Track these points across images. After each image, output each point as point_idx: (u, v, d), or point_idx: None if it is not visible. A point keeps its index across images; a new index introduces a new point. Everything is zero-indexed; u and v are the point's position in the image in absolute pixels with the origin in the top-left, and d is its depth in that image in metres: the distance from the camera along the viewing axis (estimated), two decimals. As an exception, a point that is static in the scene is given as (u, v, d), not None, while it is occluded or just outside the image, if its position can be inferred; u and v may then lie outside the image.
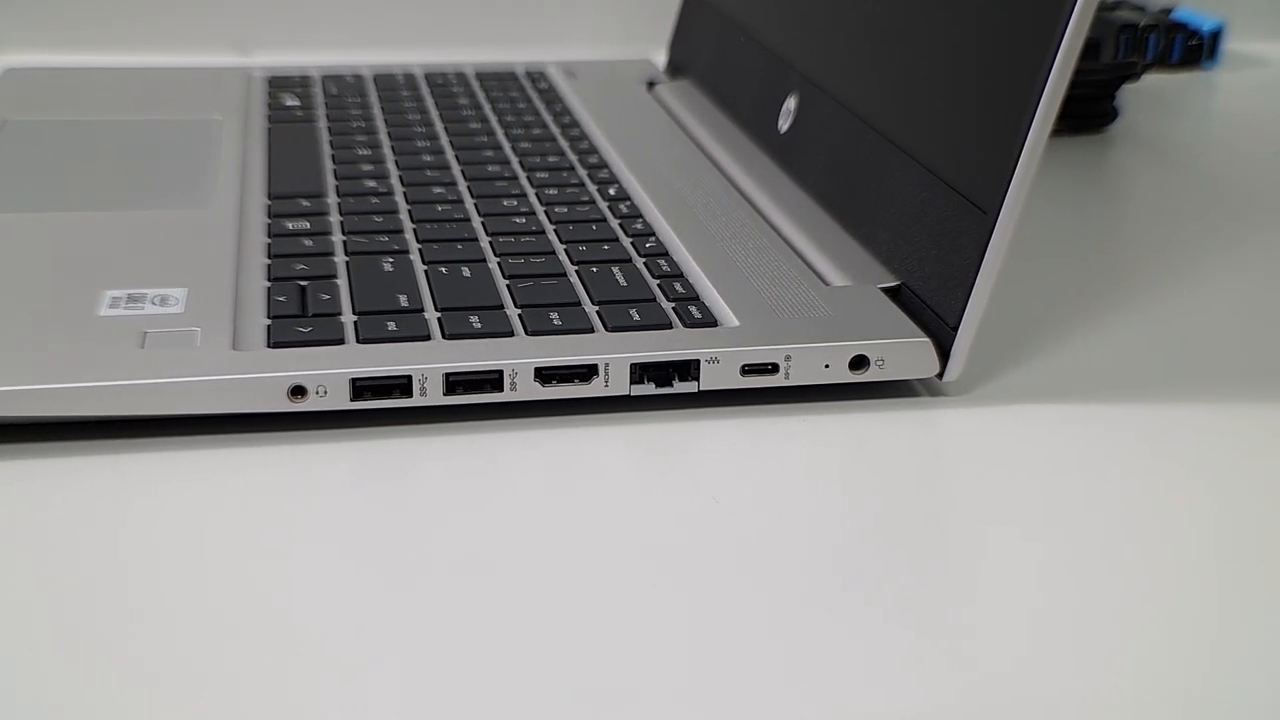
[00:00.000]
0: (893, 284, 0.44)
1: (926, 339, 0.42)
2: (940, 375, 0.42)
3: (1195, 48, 0.80)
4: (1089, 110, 0.69)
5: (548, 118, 0.63)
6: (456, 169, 0.56)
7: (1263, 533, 0.36)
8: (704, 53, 0.67)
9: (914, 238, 0.44)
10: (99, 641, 0.31)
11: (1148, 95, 0.75)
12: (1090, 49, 0.70)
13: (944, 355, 0.42)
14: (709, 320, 0.42)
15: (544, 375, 0.40)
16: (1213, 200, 0.61)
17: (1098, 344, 0.46)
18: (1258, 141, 0.69)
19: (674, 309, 0.43)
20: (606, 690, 0.30)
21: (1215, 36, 0.81)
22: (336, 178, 0.54)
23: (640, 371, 0.40)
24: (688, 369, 0.41)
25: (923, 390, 0.43)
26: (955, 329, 0.41)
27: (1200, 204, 0.60)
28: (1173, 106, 0.74)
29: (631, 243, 0.48)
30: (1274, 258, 0.54)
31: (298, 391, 0.39)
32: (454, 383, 0.39)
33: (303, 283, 0.44)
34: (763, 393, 0.41)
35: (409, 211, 0.51)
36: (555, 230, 0.49)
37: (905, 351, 0.41)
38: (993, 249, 0.40)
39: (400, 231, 0.49)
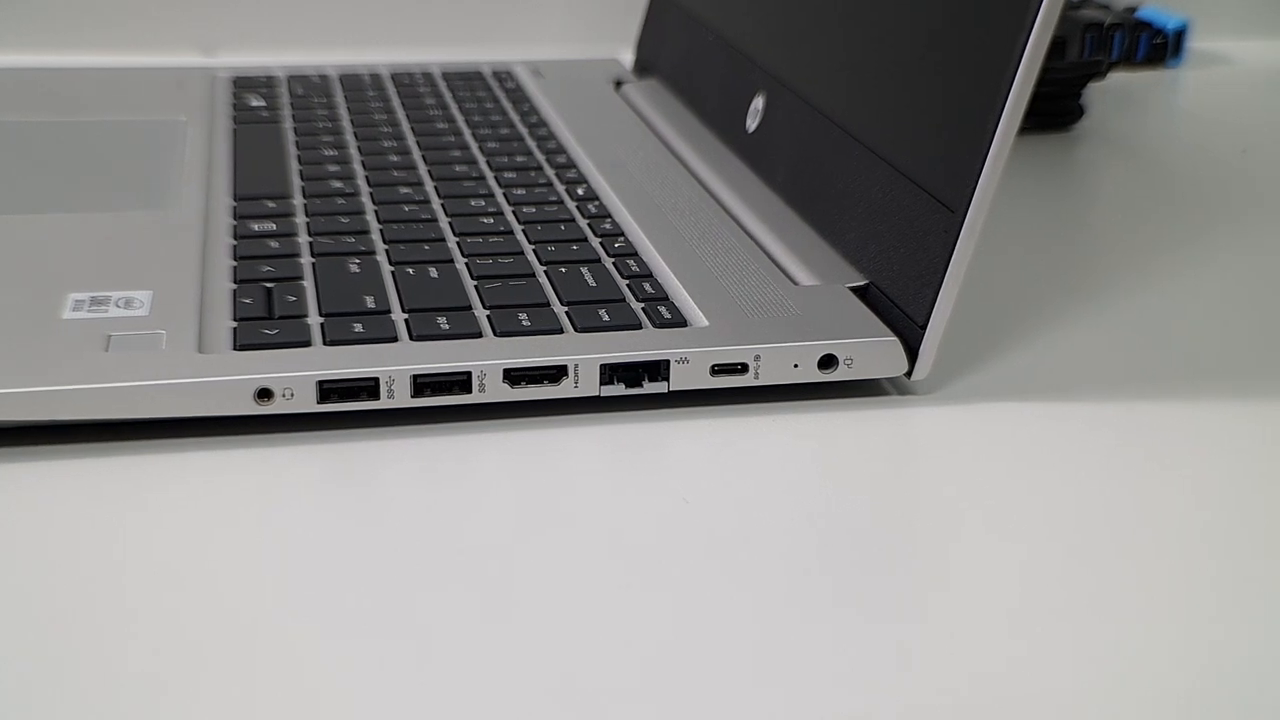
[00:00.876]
0: (861, 283, 0.44)
1: (895, 338, 0.42)
2: (909, 374, 0.42)
3: (1160, 46, 0.81)
4: (1055, 108, 0.69)
5: (515, 117, 0.63)
6: (423, 169, 0.55)
7: (1233, 526, 0.36)
8: (671, 52, 0.67)
9: (882, 237, 0.44)
10: (61, 647, 0.30)
11: (1113, 93, 0.76)
12: (1056, 47, 0.70)
13: (912, 354, 0.42)
14: (678, 320, 0.42)
15: (513, 376, 0.40)
16: (1179, 197, 0.61)
17: (1065, 341, 0.46)
18: (1223, 139, 0.69)
19: (643, 309, 0.43)
20: (580, 691, 0.29)
21: (1179, 35, 0.81)
22: (302, 178, 0.54)
23: (610, 372, 0.40)
24: (657, 369, 0.41)
25: (891, 389, 0.43)
26: (923, 328, 0.41)
27: (1166, 201, 0.60)
28: (1138, 104, 0.75)
29: (600, 243, 0.48)
30: (1239, 254, 0.54)
31: (264, 394, 0.38)
32: (422, 385, 0.39)
33: (268, 284, 0.44)
34: (733, 393, 0.41)
35: (375, 212, 0.50)
36: (523, 230, 0.49)
37: (873, 350, 0.41)
38: (960, 248, 0.40)
39: (366, 232, 0.48)
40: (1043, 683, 0.30)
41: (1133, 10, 0.80)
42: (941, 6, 0.43)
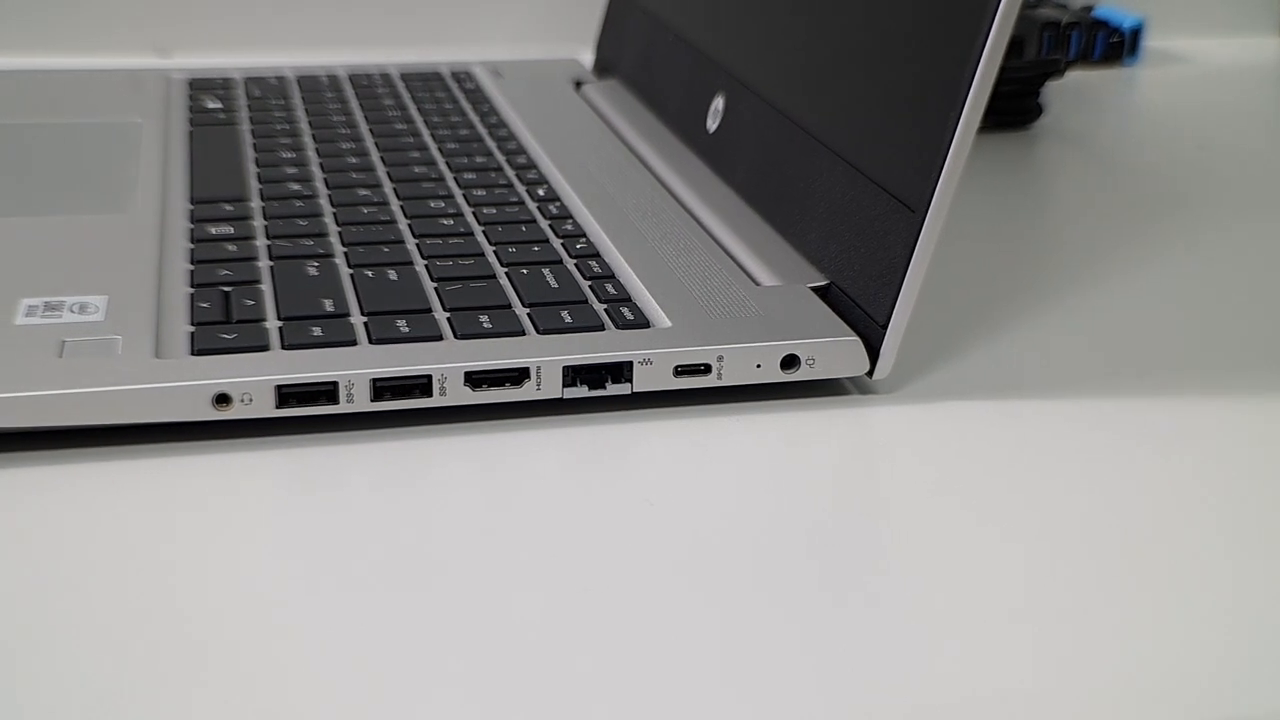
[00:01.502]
0: (822, 283, 0.44)
1: (856, 337, 0.42)
2: (870, 373, 0.42)
3: (1116, 45, 0.81)
4: (1014, 107, 0.70)
5: (474, 118, 0.62)
6: (382, 170, 0.55)
7: (1189, 522, 0.36)
8: (631, 52, 0.66)
9: (842, 237, 0.44)
10: (12, 657, 0.30)
11: (1071, 91, 0.76)
12: (1014, 46, 0.70)
13: (873, 353, 0.42)
14: (641, 321, 0.42)
15: (474, 379, 0.39)
16: (1136, 195, 0.61)
17: (1025, 339, 0.46)
18: (1179, 136, 0.70)
19: (606, 310, 0.43)
20: (543, 697, 0.29)
21: (1136, 33, 0.82)
22: (260, 181, 0.53)
23: (573, 374, 0.40)
24: (621, 371, 0.40)
25: (853, 388, 0.43)
26: (884, 327, 0.41)
27: (1124, 199, 0.61)
28: (1096, 102, 0.75)
29: (562, 244, 0.48)
30: (1196, 251, 0.55)
31: (222, 399, 0.38)
32: (381, 388, 0.39)
33: (226, 288, 0.44)
34: (696, 393, 0.41)
35: (334, 214, 0.50)
36: (484, 231, 0.49)
37: (835, 350, 0.41)
38: (921, 247, 0.40)
39: (325, 235, 0.48)
40: (1000, 681, 0.30)
41: (1089, 9, 0.81)
42: (901, 6, 0.43)
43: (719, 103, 0.55)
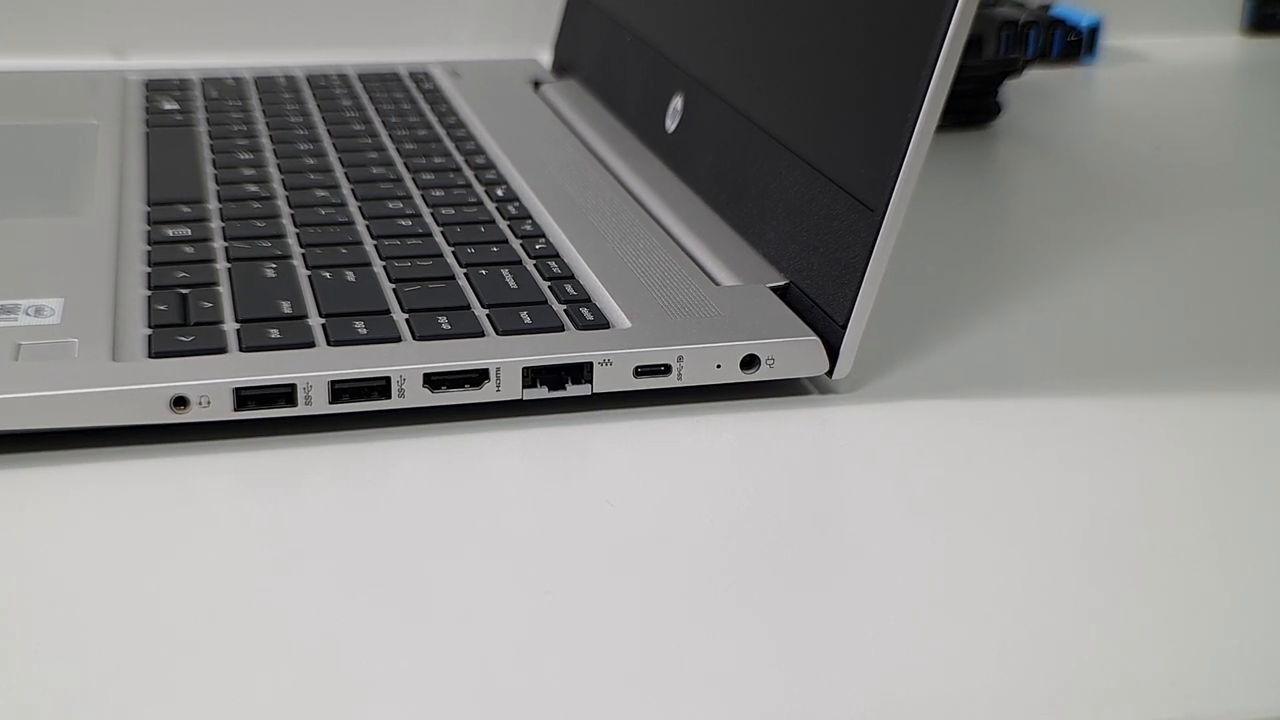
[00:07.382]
0: (781, 283, 0.44)
1: (815, 337, 0.42)
2: (830, 373, 0.42)
3: (1074, 43, 0.82)
4: (973, 105, 0.70)
5: (433, 118, 0.62)
6: (340, 171, 0.55)
7: (1150, 520, 0.36)
8: (589, 52, 0.66)
9: (801, 237, 0.44)
10: (-26, 667, 0.30)
11: (1030, 90, 0.76)
12: (972, 45, 0.71)
13: (833, 353, 0.42)
14: (601, 322, 0.42)
15: (433, 381, 0.39)
16: (1094, 194, 0.62)
17: (984, 338, 0.47)
18: (1136, 135, 0.70)
19: (565, 311, 0.43)
20: (502, 699, 0.29)
21: (1094, 32, 0.82)
22: (217, 183, 0.53)
23: (533, 375, 0.40)
24: (581, 372, 0.40)
25: (813, 388, 0.43)
26: (844, 327, 0.41)
27: (1082, 198, 0.61)
28: (1054, 101, 0.76)
29: (521, 244, 0.48)
30: (1153, 251, 0.55)
31: (180, 402, 0.38)
32: (340, 390, 0.39)
33: (184, 291, 0.43)
34: (656, 394, 0.41)
35: (292, 216, 0.50)
36: (442, 232, 0.49)
37: (794, 350, 0.41)
38: (880, 247, 0.40)
39: (282, 236, 0.48)
40: (955, 681, 0.30)
41: (1047, 8, 0.81)
42: (858, 6, 0.43)
43: (677, 103, 0.55)
